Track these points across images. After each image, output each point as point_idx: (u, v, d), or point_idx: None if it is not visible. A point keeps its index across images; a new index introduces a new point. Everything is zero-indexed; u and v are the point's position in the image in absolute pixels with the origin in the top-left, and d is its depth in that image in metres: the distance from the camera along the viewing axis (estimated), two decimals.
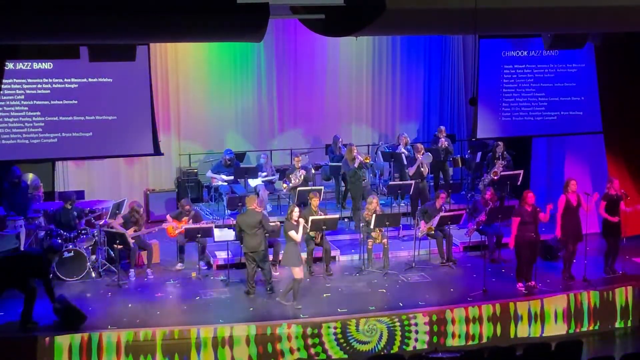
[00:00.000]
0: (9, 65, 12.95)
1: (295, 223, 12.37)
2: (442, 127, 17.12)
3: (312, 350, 11.62)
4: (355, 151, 15.26)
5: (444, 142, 16.65)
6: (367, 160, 15.39)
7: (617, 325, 12.97)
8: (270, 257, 13.52)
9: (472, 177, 17.46)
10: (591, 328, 12.77)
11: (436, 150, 16.65)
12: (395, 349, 11.88)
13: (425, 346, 11.95)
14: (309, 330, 11.60)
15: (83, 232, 13.51)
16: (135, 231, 13.44)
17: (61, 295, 11.75)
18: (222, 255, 13.85)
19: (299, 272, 12.22)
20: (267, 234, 12.70)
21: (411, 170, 15.67)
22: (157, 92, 16.21)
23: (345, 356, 11.74)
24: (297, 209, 12.60)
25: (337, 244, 14.63)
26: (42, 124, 13.65)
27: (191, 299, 12.59)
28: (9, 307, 11.89)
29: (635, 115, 14.60)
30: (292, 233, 12.28)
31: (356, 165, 15.03)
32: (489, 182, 15.69)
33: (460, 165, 17.51)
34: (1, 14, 9.02)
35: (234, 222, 13.09)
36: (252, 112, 17.82)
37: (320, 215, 13.45)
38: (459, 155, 17.40)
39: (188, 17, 9.71)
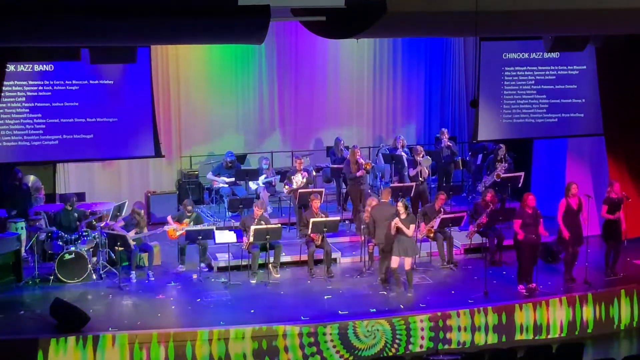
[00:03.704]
0: (10, 67, 12.96)
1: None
2: (444, 130, 17.05)
3: (313, 352, 11.61)
4: (358, 154, 15.26)
5: (446, 143, 16.61)
6: (368, 167, 15.39)
7: (618, 327, 12.96)
8: (271, 260, 13.53)
9: (472, 180, 17.45)
10: (592, 330, 12.75)
11: (438, 153, 16.63)
12: (395, 351, 11.87)
13: (426, 348, 11.94)
14: (309, 332, 11.60)
15: (84, 234, 13.51)
16: (136, 233, 13.44)
17: (57, 299, 11.74)
18: (223, 257, 13.85)
19: (409, 263, 12.67)
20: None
21: (411, 172, 15.67)
22: (158, 94, 16.17)
23: (347, 355, 11.75)
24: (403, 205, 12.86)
25: (338, 246, 14.62)
26: (43, 126, 13.67)
27: (192, 301, 12.59)
28: (8, 309, 11.88)
29: (636, 117, 14.60)
30: (403, 227, 12.53)
31: (358, 174, 15.05)
32: (490, 184, 15.68)
33: (461, 168, 17.49)
34: (2, 16, 9.04)
35: (238, 223, 13.01)
36: (253, 114, 17.81)
37: (322, 217, 13.48)
38: (459, 158, 17.38)
39: (189, 19, 9.72)
